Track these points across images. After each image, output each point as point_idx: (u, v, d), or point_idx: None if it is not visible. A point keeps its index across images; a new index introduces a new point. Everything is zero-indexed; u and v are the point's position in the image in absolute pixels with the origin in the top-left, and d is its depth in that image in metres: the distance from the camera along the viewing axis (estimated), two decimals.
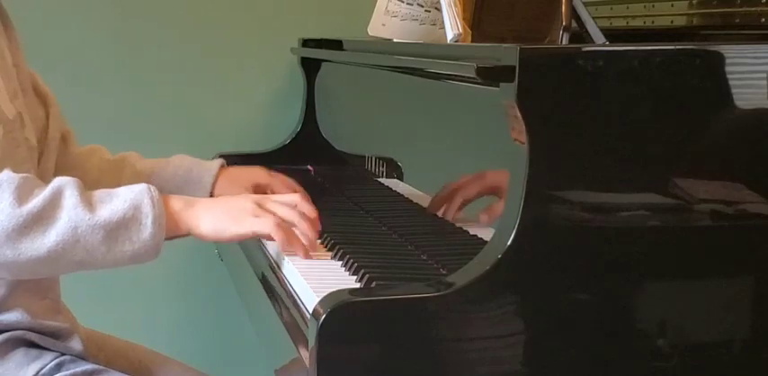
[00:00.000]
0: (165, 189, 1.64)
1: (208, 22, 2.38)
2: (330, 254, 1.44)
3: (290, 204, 1.41)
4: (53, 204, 1.25)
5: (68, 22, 2.27)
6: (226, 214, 1.35)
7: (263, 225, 1.35)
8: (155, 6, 2.35)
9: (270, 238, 1.38)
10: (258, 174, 1.71)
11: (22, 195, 1.24)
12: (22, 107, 1.41)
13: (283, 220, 1.37)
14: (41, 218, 1.24)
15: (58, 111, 1.57)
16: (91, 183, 1.59)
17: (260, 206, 1.36)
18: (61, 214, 1.25)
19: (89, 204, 1.26)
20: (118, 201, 1.28)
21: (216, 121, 2.40)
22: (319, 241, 1.47)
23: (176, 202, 1.33)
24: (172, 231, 1.32)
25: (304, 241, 1.40)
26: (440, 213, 1.52)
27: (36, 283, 1.38)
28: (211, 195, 1.66)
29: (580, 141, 1.17)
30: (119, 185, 1.60)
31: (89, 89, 2.31)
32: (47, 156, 1.52)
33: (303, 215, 1.40)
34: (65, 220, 1.24)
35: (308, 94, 2.31)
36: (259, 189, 1.68)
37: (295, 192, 1.67)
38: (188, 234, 1.34)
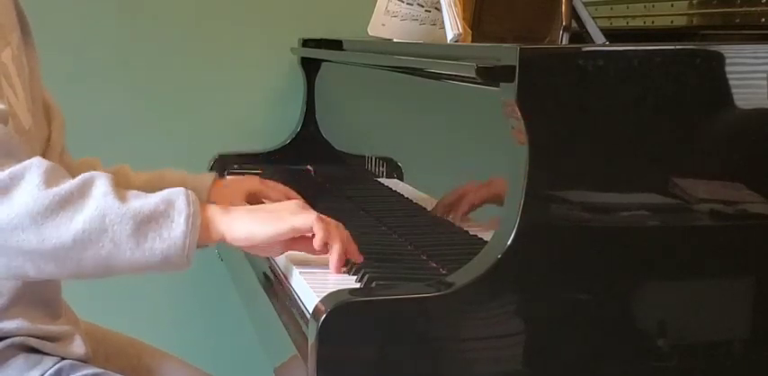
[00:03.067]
0: None
1: (208, 22, 2.38)
2: (354, 278, 1.35)
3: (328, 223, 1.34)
4: (82, 190, 1.20)
5: (68, 22, 2.27)
6: (261, 218, 1.30)
7: (304, 219, 1.30)
8: (155, 6, 2.35)
9: (303, 247, 1.33)
10: (250, 182, 1.70)
11: (50, 179, 1.20)
12: (31, 115, 1.41)
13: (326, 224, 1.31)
14: (69, 202, 1.19)
15: (62, 124, 1.57)
16: None
17: (301, 207, 1.33)
18: (90, 200, 1.20)
19: (120, 195, 1.22)
20: (152, 196, 1.24)
21: (216, 121, 2.40)
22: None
23: (213, 208, 1.29)
24: (205, 235, 1.26)
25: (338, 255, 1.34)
26: (446, 217, 1.52)
27: (39, 294, 1.37)
28: None
29: (580, 141, 1.17)
30: None
31: (89, 89, 2.31)
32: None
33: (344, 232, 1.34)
34: (93, 207, 1.20)
35: (308, 94, 2.31)
36: (253, 197, 1.67)
37: (289, 198, 1.66)
38: (222, 240, 1.29)
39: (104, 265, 1.22)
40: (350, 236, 1.35)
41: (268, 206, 1.36)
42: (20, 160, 1.21)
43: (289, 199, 1.65)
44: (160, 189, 1.59)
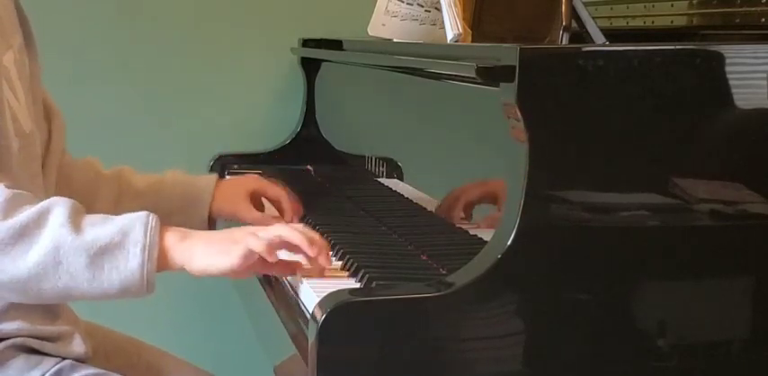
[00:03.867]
0: (165, 208, 1.60)
1: (207, 23, 2.38)
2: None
3: (296, 229, 1.31)
4: (38, 222, 1.20)
5: (68, 24, 2.27)
6: (219, 247, 1.26)
7: (243, 248, 1.25)
8: (154, 7, 2.35)
9: (270, 268, 1.30)
10: (251, 182, 1.69)
11: (8, 210, 1.20)
12: (32, 119, 1.41)
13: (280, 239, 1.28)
14: (24, 234, 1.20)
15: (63, 125, 1.57)
16: (84, 195, 1.58)
17: (254, 234, 1.28)
18: (44, 232, 1.20)
19: (77, 226, 1.21)
20: (109, 225, 1.23)
21: (216, 121, 2.39)
22: (339, 262, 1.41)
23: (172, 235, 1.26)
24: (164, 264, 1.25)
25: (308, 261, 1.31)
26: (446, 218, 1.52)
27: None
28: (211, 211, 1.64)
29: (580, 141, 1.17)
30: (117, 204, 1.60)
31: (89, 90, 2.31)
32: (48, 171, 1.51)
33: (306, 236, 1.30)
34: (47, 240, 1.20)
35: (308, 94, 2.31)
36: (254, 196, 1.67)
37: (288, 195, 1.67)
38: (182, 269, 1.27)
39: (65, 295, 1.23)
40: (320, 242, 1.31)
41: (226, 233, 1.31)
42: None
43: (287, 196, 1.67)
44: (158, 196, 1.60)
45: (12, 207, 1.21)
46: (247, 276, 1.36)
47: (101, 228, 1.22)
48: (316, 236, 1.33)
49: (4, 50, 1.34)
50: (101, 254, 1.21)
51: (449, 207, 1.52)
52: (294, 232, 1.30)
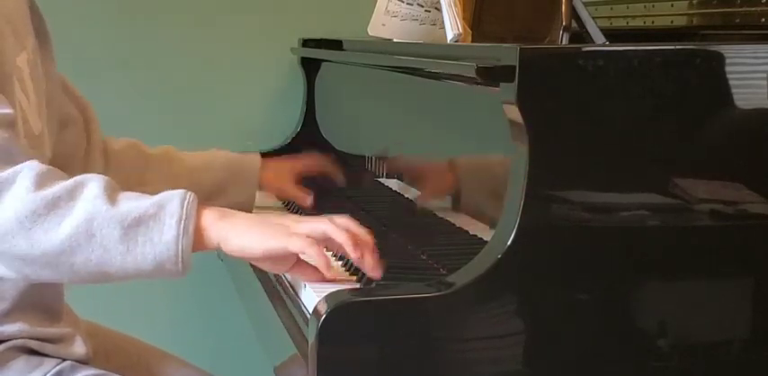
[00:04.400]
0: (216, 185, 1.71)
1: (208, 22, 2.38)
2: (354, 278, 1.34)
3: (340, 225, 1.27)
4: (72, 194, 1.17)
5: (68, 23, 2.26)
6: (259, 230, 1.23)
7: (300, 243, 1.21)
8: (155, 6, 2.35)
9: (298, 271, 1.28)
10: (294, 160, 1.84)
11: (41, 182, 1.17)
12: (43, 118, 1.41)
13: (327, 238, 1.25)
14: (56, 206, 1.16)
15: (95, 116, 1.60)
16: (134, 178, 1.62)
17: (299, 223, 1.26)
18: (78, 204, 1.16)
19: (112, 198, 1.18)
20: (145, 199, 1.19)
21: (216, 121, 2.39)
22: (339, 262, 1.40)
23: (211, 212, 1.23)
24: (200, 241, 1.21)
25: (365, 259, 1.26)
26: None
27: (41, 299, 1.36)
28: (260, 184, 1.76)
29: (580, 141, 1.17)
30: (169, 182, 1.63)
31: (88, 90, 2.29)
32: (93, 160, 1.54)
33: (351, 234, 1.27)
34: (81, 211, 1.16)
35: (308, 94, 2.31)
36: (301, 171, 1.82)
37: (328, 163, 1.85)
38: (218, 248, 1.23)
39: (97, 271, 1.19)
40: (365, 242, 1.27)
41: (268, 217, 1.30)
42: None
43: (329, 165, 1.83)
44: (208, 171, 1.69)
45: (44, 180, 1.18)
46: (277, 269, 1.32)
47: (136, 201, 1.19)
48: (362, 233, 1.28)
49: (19, 51, 1.34)
50: (135, 225, 1.17)
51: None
52: (339, 230, 1.25)
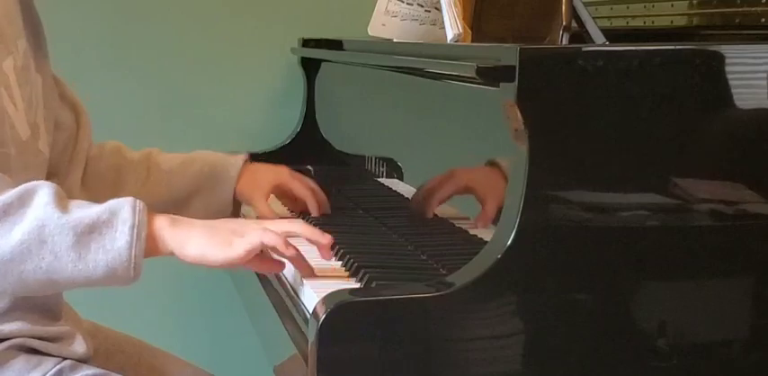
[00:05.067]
0: (192, 186, 1.64)
1: (208, 22, 2.38)
2: (347, 274, 1.35)
3: (289, 229, 1.30)
4: (22, 201, 1.17)
5: (66, 23, 2.26)
6: (217, 237, 1.23)
7: (250, 239, 1.23)
8: (155, 6, 2.35)
9: (262, 270, 1.29)
10: (280, 175, 1.69)
11: None
12: (39, 117, 1.40)
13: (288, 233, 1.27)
14: (7, 213, 1.15)
15: (89, 123, 1.58)
16: (111, 183, 1.60)
17: (263, 227, 1.27)
18: (29, 211, 1.16)
19: (63, 205, 1.17)
20: (96, 206, 1.19)
21: (215, 121, 2.39)
22: (339, 263, 1.41)
23: (162, 219, 1.23)
24: (153, 248, 1.21)
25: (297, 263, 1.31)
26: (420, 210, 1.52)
27: (40, 298, 1.35)
28: (235, 192, 1.64)
29: (580, 141, 1.17)
30: (144, 185, 1.62)
31: (86, 90, 2.29)
32: (75, 166, 1.51)
33: (306, 223, 1.32)
34: (32, 217, 1.15)
35: (308, 94, 2.31)
36: (280, 189, 1.69)
37: (315, 194, 1.68)
38: (171, 255, 1.23)
39: (47, 279, 1.18)
40: (308, 227, 1.32)
41: (223, 223, 1.29)
42: None
43: (314, 195, 1.67)
44: (185, 174, 1.61)
45: None
46: (239, 269, 1.32)
47: (87, 208, 1.18)
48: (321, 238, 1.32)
49: (4, 56, 1.33)
50: (88, 232, 1.16)
51: (423, 200, 1.53)
52: (302, 226, 1.29)
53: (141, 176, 1.63)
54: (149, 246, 1.20)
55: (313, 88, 2.30)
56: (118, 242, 1.17)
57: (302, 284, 1.34)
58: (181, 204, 1.63)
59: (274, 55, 2.39)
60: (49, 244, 1.16)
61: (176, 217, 1.25)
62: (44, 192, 1.18)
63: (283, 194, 1.72)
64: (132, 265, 1.18)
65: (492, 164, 1.33)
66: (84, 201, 1.21)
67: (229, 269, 1.29)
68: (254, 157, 2.26)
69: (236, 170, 1.65)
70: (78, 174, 1.53)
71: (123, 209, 1.19)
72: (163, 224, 1.23)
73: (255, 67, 2.40)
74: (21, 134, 1.34)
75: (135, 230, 1.18)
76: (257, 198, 1.66)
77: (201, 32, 2.38)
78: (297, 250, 1.29)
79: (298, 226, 1.32)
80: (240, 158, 1.68)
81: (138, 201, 1.21)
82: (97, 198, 1.25)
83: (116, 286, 1.21)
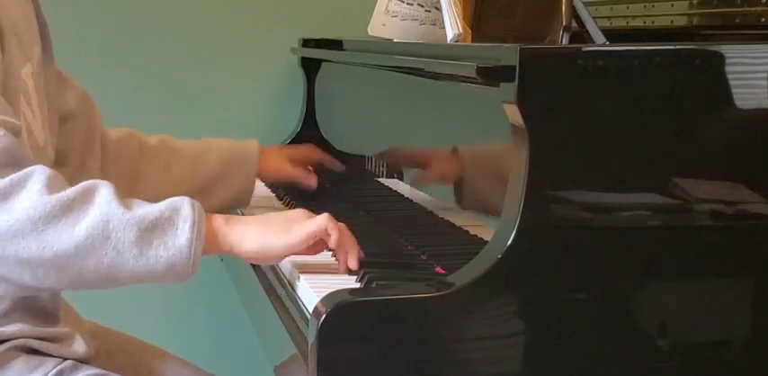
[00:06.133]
0: (214, 170, 1.71)
1: (208, 22, 2.38)
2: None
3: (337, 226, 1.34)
4: (85, 197, 1.18)
5: (68, 22, 2.26)
6: (273, 228, 1.27)
7: (317, 223, 1.28)
8: (155, 6, 2.35)
9: (312, 251, 1.32)
10: (290, 148, 1.87)
11: (52, 185, 1.17)
12: (46, 122, 1.41)
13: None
14: (71, 208, 1.16)
15: (98, 113, 1.61)
16: (132, 167, 1.63)
17: (312, 217, 1.31)
18: (93, 207, 1.17)
19: (124, 203, 1.19)
20: (156, 204, 1.21)
21: (216, 121, 2.39)
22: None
23: (218, 217, 1.26)
24: (212, 245, 1.24)
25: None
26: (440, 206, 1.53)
27: (39, 300, 1.36)
28: (258, 172, 1.76)
29: (580, 141, 1.17)
30: (167, 170, 1.67)
31: (87, 88, 2.30)
32: (93, 156, 1.55)
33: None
34: (96, 213, 1.16)
35: (308, 94, 2.31)
36: (299, 163, 1.83)
37: (325, 155, 1.88)
38: (229, 252, 1.27)
39: (106, 275, 1.19)
40: (354, 240, 1.35)
41: (276, 215, 1.32)
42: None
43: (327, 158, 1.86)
44: (206, 159, 1.69)
45: (55, 184, 1.18)
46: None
47: (148, 206, 1.21)
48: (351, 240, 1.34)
49: (23, 63, 1.33)
50: (151, 228, 1.18)
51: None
52: (336, 229, 1.31)
53: (162, 160, 1.67)
54: (208, 243, 1.22)
55: (313, 88, 2.30)
56: (179, 239, 1.19)
57: (301, 284, 1.34)
58: (204, 190, 1.68)
59: (274, 55, 2.39)
60: (113, 240, 1.17)
61: (230, 216, 1.28)
62: (104, 190, 1.20)
63: (302, 164, 1.85)
64: (192, 262, 1.20)
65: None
66: (140, 200, 1.22)
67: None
68: None
69: (255, 151, 1.74)
70: (97, 164, 1.56)
71: (183, 206, 1.21)
72: (220, 222, 1.26)
73: (255, 66, 2.40)
74: (38, 140, 1.35)
75: (195, 227, 1.20)
76: (285, 168, 1.81)
77: (202, 32, 2.38)
78: (346, 233, 1.33)
79: (339, 225, 1.33)
80: (254, 142, 1.77)
81: (195, 201, 1.23)
82: (119, 181, 1.28)
83: (172, 282, 1.22)
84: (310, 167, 1.89)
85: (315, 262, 1.39)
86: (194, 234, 1.20)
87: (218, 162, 1.71)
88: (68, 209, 1.16)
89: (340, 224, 1.32)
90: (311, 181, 1.85)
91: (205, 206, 1.26)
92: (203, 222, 1.21)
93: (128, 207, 1.19)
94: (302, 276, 1.35)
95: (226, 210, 1.69)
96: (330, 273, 1.35)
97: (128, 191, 1.28)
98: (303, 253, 1.32)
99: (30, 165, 1.20)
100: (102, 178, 1.42)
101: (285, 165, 1.82)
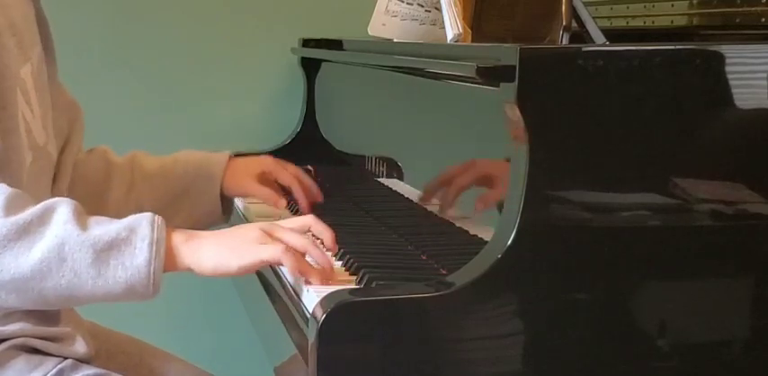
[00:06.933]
0: (178, 188, 1.63)
1: (208, 22, 2.38)
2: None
3: (301, 229, 1.32)
4: (42, 219, 1.18)
5: (67, 22, 2.26)
6: (229, 247, 1.25)
7: (270, 252, 1.24)
8: (155, 6, 2.35)
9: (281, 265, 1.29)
10: (264, 162, 1.68)
11: (9, 207, 1.18)
12: (48, 121, 1.41)
13: (293, 248, 1.27)
14: (27, 231, 1.17)
15: (83, 127, 1.57)
16: (97, 187, 1.60)
17: (268, 234, 1.27)
18: (49, 229, 1.17)
19: (82, 223, 1.19)
20: (115, 223, 1.20)
21: (216, 122, 2.40)
22: (340, 263, 1.41)
23: (179, 234, 1.24)
24: (171, 263, 1.22)
25: (317, 268, 1.30)
26: (433, 204, 1.52)
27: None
28: (222, 188, 1.64)
29: (580, 141, 1.17)
30: (130, 190, 1.61)
31: (86, 89, 2.29)
32: (64, 171, 1.51)
33: (314, 241, 1.32)
34: (52, 236, 1.16)
35: (308, 94, 2.31)
36: (265, 177, 1.67)
37: (300, 181, 1.67)
38: (189, 270, 1.25)
39: (66, 296, 1.19)
40: (326, 241, 1.33)
41: (234, 231, 1.29)
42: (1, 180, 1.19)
43: (299, 182, 1.67)
44: (169, 176, 1.60)
45: (14, 205, 1.18)
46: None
47: (106, 225, 1.20)
48: (327, 235, 1.33)
49: (23, 63, 1.34)
50: (107, 249, 1.18)
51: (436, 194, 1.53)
52: (300, 240, 1.28)
53: (126, 180, 1.62)
54: (168, 262, 1.21)
55: (313, 88, 2.30)
56: (137, 259, 1.19)
57: (302, 284, 1.34)
58: (169, 206, 1.63)
59: (274, 55, 2.39)
60: (69, 261, 1.17)
61: (193, 232, 1.26)
62: (63, 209, 1.19)
63: (269, 184, 1.69)
64: (151, 281, 1.20)
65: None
66: (102, 218, 1.22)
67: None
68: None
69: (221, 167, 1.64)
70: (66, 179, 1.51)
71: (141, 225, 1.20)
72: (180, 239, 1.23)
73: (255, 66, 2.40)
74: (38, 140, 1.35)
75: (154, 247, 1.19)
76: (248, 185, 1.65)
77: (202, 32, 2.38)
78: (301, 261, 1.28)
79: (309, 220, 1.34)
80: (223, 155, 1.67)
81: (156, 216, 1.22)
82: (84, 202, 1.25)
83: (135, 302, 1.22)
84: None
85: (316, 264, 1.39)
86: (152, 253, 1.19)
87: (180, 179, 1.64)
88: (24, 232, 1.17)
89: (299, 241, 1.28)
90: (278, 202, 1.67)
91: (173, 223, 1.25)
92: (162, 240, 1.20)
93: (84, 227, 1.18)
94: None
95: (201, 226, 1.59)
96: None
97: (94, 211, 1.26)
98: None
99: (6, 175, 1.21)
100: (70, 195, 1.40)
101: (248, 182, 1.66)
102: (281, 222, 1.33)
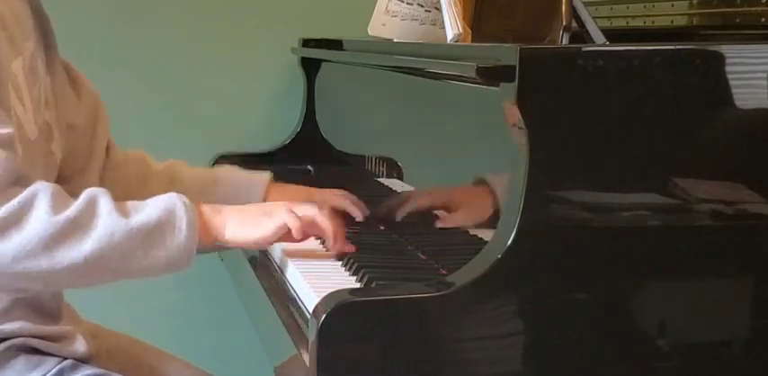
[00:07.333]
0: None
1: (208, 22, 2.38)
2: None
3: (315, 215, 1.42)
4: (89, 212, 1.24)
5: (67, 22, 2.26)
6: (249, 220, 1.37)
7: (284, 218, 1.36)
8: (155, 6, 2.35)
9: (294, 240, 1.39)
10: (310, 191, 1.70)
11: (57, 204, 1.23)
12: (51, 118, 1.42)
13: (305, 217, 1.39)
14: (78, 225, 1.23)
15: (106, 115, 1.59)
16: (134, 192, 1.60)
17: (290, 210, 1.38)
18: (97, 221, 1.24)
19: (123, 211, 1.27)
20: (150, 208, 1.28)
21: (216, 122, 2.39)
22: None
23: (207, 209, 1.35)
24: (204, 237, 1.33)
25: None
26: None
27: (40, 299, 1.37)
28: None
29: (580, 141, 1.17)
30: None
31: None
32: (94, 159, 1.55)
33: (326, 214, 1.43)
34: (101, 227, 1.24)
35: (308, 94, 2.31)
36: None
37: (349, 199, 1.68)
38: (215, 240, 1.36)
39: (113, 276, 1.28)
40: (334, 224, 1.43)
41: (256, 206, 1.43)
42: (26, 186, 1.24)
43: (351, 202, 1.68)
44: (207, 194, 1.63)
45: (60, 201, 1.24)
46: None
47: (143, 211, 1.28)
48: (340, 227, 1.44)
49: (13, 57, 1.34)
50: (153, 233, 1.26)
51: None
52: (326, 220, 1.41)
53: (163, 191, 1.62)
54: (200, 236, 1.31)
55: (313, 88, 2.30)
56: (178, 238, 1.28)
57: (301, 284, 1.34)
58: None
59: (274, 55, 2.39)
60: (119, 248, 1.24)
61: (215, 205, 1.38)
62: (104, 200, 1.26)
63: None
64: (188, 255, 1.29)
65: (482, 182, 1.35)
66: (136, 202, 1.29)
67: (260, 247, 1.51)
68: (255, 157, 2.28)
69: (261, 190, 1.67)
70: (96, 168, 1.57)
71: (177, 206, 1.29)
72: (209, 215, 1.35)
73: (255, 66, 2.40)
74: (28, 134, 1.35)
75: (191, 225, 1.28)
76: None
77: (202, 32, 2.38)
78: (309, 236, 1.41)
79: (320, 214, 1.43)
80: (264, 177, 1.69)
81: (181, 196, 1.31)
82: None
83: (173, 273, 1.30)
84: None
85: (316, 264, 1.39)
86: (190, 231, 1.28)
87: (221, 200, 1.60)
88: (76, 226, 1.23)
89: (310, 214, 1.40)
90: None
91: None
92: (196, 219, 1.29)
93: (127, 215, 1.26)
94: (296, 267, 1.35)
95: None
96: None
97: None
98: (289, 241, 1.40)
99: (27, 178, 1.25)
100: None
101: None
102: (307, 207, 1.43)
